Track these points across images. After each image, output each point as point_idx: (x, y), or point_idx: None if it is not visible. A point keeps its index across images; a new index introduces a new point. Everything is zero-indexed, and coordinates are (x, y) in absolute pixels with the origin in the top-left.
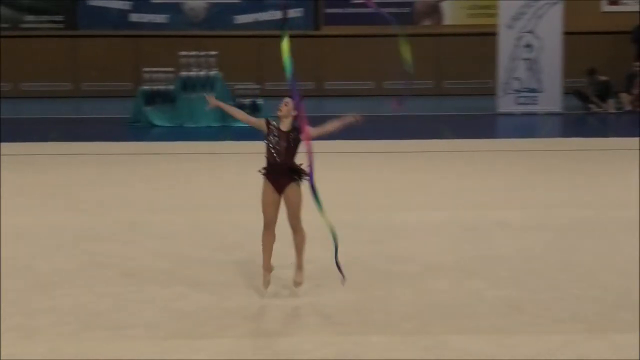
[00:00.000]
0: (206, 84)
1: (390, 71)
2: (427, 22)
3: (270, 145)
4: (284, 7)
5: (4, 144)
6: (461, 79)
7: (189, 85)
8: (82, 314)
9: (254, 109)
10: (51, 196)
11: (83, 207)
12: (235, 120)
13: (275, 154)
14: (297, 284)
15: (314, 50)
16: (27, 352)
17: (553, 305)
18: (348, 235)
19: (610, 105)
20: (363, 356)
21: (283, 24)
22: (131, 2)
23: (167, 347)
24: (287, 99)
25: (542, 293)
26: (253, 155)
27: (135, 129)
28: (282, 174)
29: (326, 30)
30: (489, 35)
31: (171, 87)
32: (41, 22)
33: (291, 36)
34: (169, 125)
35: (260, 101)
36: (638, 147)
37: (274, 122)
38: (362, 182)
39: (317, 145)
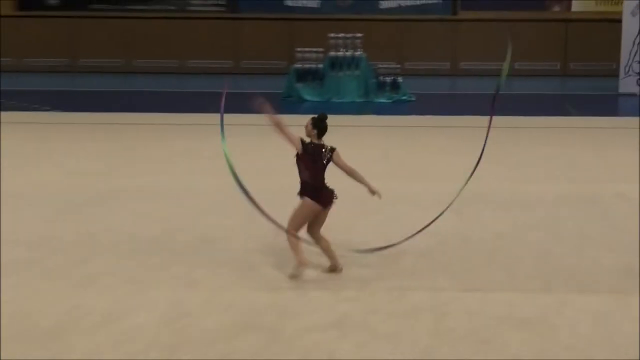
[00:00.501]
0: (352, 63)
1: (517, 53)
2: (556, 9)
3: (303, 164)
4: None
5: (182, 115)
6: (586, 61)
7: (336, 64)
8: None
9: (394, 87)
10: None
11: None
12: (377, 96)
13: (307, 171)
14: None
15: (451, 33)
16: None
17: None
18: (492, 204)
19: None
20: (488, 311)
21: None
22: None
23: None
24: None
25: None
26: (392, 129)
27: (287, 103)
28: (318, 192)
29: (463, 15)
30: (614, 22)
31: (320, 65)
32: (206, 5)
33: (431, 20)
34: (317, 100)
35: (400, 79)
36: None
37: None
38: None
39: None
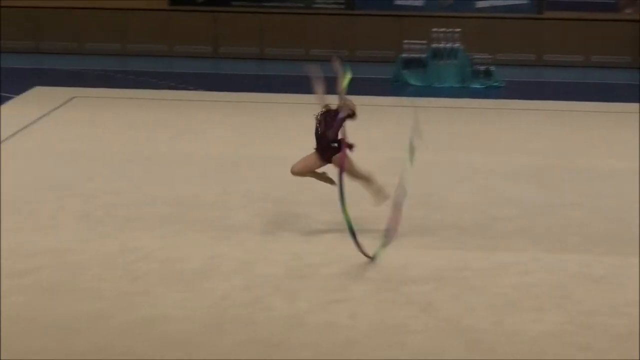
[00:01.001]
0: (451, 53)
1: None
2: (628, 11)
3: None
4: None
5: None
6: None
7: (437, 54)
8: None
9: (487, 74)
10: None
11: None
12: (472, 82)
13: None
14: (384, 198)
15: (537, 29)
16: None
17: None
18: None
19: None
20: (563, 270)
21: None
22: None
23: None
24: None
25: None
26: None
27: (395, 87)
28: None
29: (546, 14)
30: None
31: (424, 55)
32: (328, 3)
33: (519, 18)
34: (420, 84)
35: (492, 68)
36: None
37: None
38: (571, 135)
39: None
